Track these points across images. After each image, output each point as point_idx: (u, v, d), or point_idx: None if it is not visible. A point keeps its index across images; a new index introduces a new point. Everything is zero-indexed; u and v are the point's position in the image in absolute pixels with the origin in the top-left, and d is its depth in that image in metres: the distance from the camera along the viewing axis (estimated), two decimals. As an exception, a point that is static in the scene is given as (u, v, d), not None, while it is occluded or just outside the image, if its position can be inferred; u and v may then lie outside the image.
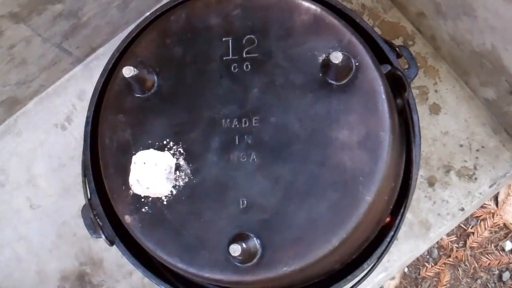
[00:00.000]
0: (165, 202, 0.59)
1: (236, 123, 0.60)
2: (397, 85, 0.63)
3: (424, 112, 0.84)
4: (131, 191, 0.59)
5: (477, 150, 0.82)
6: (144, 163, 0.58)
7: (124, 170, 0.60)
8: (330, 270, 0.65)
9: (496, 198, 1.30)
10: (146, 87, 0.62)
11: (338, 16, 0.61)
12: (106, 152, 0.62)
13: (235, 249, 0.52)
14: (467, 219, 1.30)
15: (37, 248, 0.91)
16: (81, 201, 0.67)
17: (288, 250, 0.55)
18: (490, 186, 0.82)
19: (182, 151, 0.60)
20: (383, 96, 0.58)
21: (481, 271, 1.28)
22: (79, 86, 0.93)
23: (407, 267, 1.29)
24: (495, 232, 1.30)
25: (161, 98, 0.62)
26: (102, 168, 0.63)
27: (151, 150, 0.59)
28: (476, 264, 1.28)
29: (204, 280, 0.61)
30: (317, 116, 0.58)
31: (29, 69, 0.84)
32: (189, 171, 0.60)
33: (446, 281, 1.27)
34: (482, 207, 1.28)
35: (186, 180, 0.59)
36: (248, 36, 0.62)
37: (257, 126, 0.59)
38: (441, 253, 1.30)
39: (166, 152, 0.60)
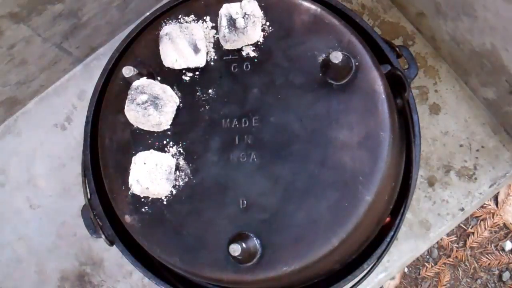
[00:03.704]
0: (165, 202, 0.59)
1: (236, 123, 0.60)
2: (397, 85, 0.63)
3: (424, 112, 0.84)
4: (131, 191, 0.59)
5: (477, 150, 0.82)
6: (144, 163, 0.58)
7: (124, 170, 0.60)
8: (330, 270, 0.65)
9: (496, 198, 1.30)
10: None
11: (338, 16, 0.61)
12: (106, 152, 0.62)
13: (235, 249, 0.52)
14: (467, 219, 1.30)
15: (37, 248, 0.91)
16: (81, 201, 0.67)
17: (288, 250, 0.55)
18: (490, 186, 0.82)
19: (182, 151, 0.60)
20: (383, 96, 0.58)
21: (481, 271, 1.28)
22: (79, 86, 0.93)
23: (407, 267, 1.29)
24: (495, 232, 1.30)
25: (161, 98, 0.62)
26: (102, 168, 0.63)
27: (151, 150, 0.59)
28: (476, 264, 1.28)
29: (204, 279, 0.61)
30: (317, 116, 0.58)
31: (29, 69, 0.84)
32: (189, 171, 0.60)
33: (446, 281, 1.27)
34: (482, 207, 1.28)
35: (186, 180, 0.59)
36: (248, 36, 0.61)
37: (257, 126, 0.59)
38: (441, 253, 1.30)
39: (166, 153, 0.60)
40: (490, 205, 1.29)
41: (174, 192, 0.59)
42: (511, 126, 0.81)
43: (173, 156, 0.60)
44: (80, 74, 0.93)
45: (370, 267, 0.64)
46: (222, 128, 0.60)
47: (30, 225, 0.91)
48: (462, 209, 0.82)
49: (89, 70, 0.93)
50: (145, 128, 0.61)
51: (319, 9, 0.61)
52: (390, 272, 0.83)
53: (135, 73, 0.60)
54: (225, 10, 0.59)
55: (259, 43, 0.61)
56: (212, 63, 0.62)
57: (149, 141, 0.61)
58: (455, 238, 1.30)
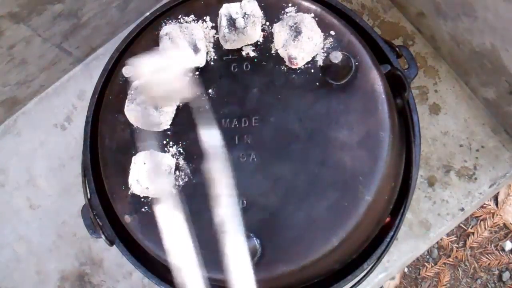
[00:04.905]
0: (165, 202, 0.59)
1: (236, 123, 0.60)
2: (397, 85, 0.63)
3: (424, 112, 0.84)
4: (131, 191, 0.59)
5: (477, 150, 0.82)
6: (144, 163, 0.58)
7: (124, 170, 0.60)
8: (330, 270, 0.65)
9: (496, 198, 1.30)
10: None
11: (338, 16, 0.61)
12: (106, 152, 0.62)
13: (235, 249, 0.52)
14: (467, 219, 1.30)
15: (37, 248, 0.91)
16: (81, 201, 0.67)
17: (288, 250, 0.55)
18: (490, 186, 0.82)
19: (182, 151, 0.60)
20: (383, 96, 0.58)
21: (481, 271, 1.28)
22: (79, 86, 0.93)
23: (407, 267, 1.29)
24: (495, 232, 1.30)
25: (161, 98, 0.62)
26: (102, 168, 0.63)
27: (151, 150, 0.59)
28: (476, 264, 1.28)
29: (204, 280, 0.61)
30: (317, 116, 0.58)
31: (29, 69, 0.84)
32: (189, 171, 0.60)
33: (446, 281, 1.27)
34: (482, 207, 1.28)
35: (186, 180, 0.59)
36: (248, 36, 0.61)
37: (256, 126, 0.59)
38: (441, 253, 1.30)
39: (166, 153, 0.60)
40: (490, 205, 1.29)
41: (174, 192, 0.59)
42: (511, 126, 0.81)
43: (173, 156, 0.60)
44: (80, 74, 0.93)
45: (370, 267, 0.64)
46: (222, 128, 0.60)
47: (30, 225, 0.91)
48: (462, 209, 0.82)
49: (89, 70, 0.93)
50: (145, 128, 0.61)
51: (319, 9, 0.61)
52: (390, 272, 0.83)
53: (135, 73, 0.60)
54: (225, 10, 0.59)
55: (259, 43, 0.61)
56: (212, 63, 0.62)
57: (149, 141, 0.61)
58: (455, 238, 1.30)
